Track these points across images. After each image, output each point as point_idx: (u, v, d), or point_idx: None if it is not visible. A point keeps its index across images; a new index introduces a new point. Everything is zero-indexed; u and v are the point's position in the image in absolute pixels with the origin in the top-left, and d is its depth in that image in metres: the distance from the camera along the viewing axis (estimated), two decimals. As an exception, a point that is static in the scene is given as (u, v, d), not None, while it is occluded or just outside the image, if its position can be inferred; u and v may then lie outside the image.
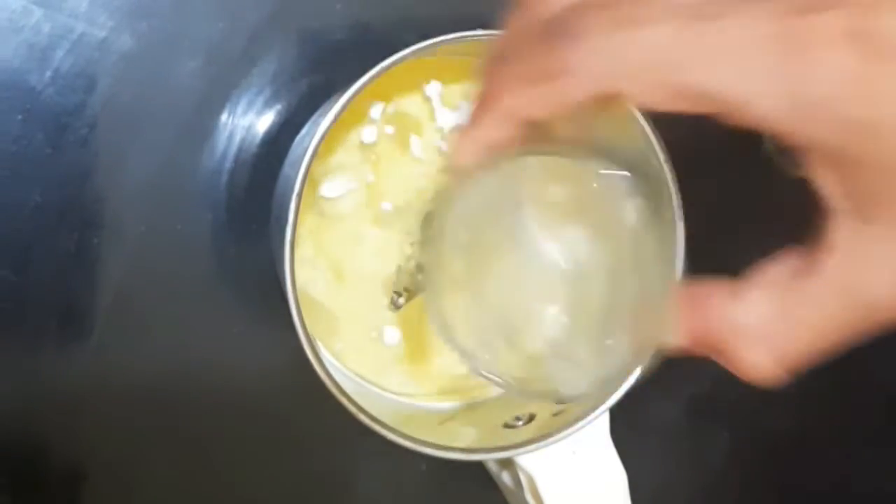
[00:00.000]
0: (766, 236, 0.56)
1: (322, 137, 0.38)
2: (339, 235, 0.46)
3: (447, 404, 0.47)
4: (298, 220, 0.38)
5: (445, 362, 0.47)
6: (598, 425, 0.42)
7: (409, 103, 0.46)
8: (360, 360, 0.46)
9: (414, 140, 0.46)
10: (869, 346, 0.57)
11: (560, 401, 0.41)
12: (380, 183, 0.45)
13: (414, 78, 0.46)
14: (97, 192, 0.47)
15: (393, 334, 0.47)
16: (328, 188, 0.45)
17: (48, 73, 0.46)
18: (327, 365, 0.38)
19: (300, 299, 0.38)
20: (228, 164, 0.48)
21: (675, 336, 0.34)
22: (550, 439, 0.41)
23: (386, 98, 0.45)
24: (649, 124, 0.41)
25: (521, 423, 0.44)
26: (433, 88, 0.46)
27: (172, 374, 0.49)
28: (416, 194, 0.46)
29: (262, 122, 0.48)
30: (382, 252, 0.46)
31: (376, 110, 0.45)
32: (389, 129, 0.45)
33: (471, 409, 0.47)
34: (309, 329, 0.38)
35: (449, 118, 0.46)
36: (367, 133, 0.45)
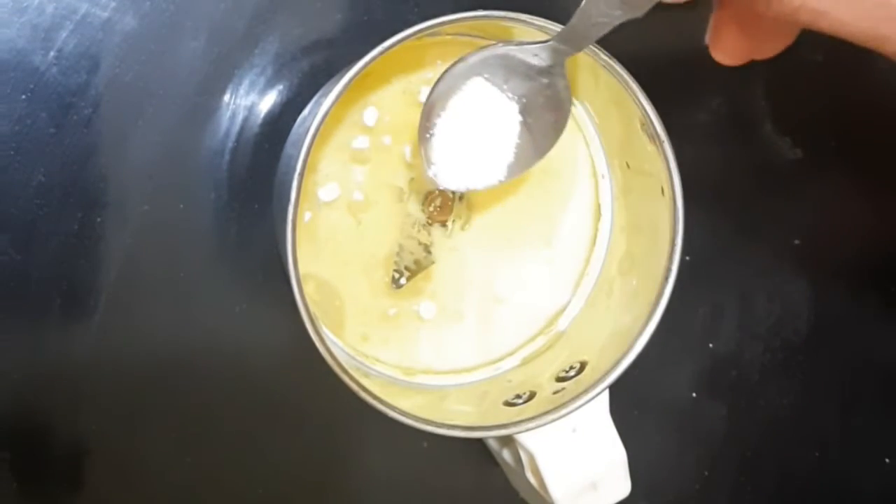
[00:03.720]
0: (763, 213, 0.56)
1: (324, 117, 0.38)
2: (335, 221, 0.46)
3: (449, 382, 0.47)
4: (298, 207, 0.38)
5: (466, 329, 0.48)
6: (598, 403, 0.42)
7: (404, 109, 0.46)
8: (385, 337, 0.47)
9: (407, 148, 0.46)
10: (868, 321, 0.58)
11: None
12: (369, 181, 0.46)
13: (415, 65, 0.46)
14: (100, 171, 0.47)
15: (429, 307, 0.47)
16: (325, 192, 0.45)
17: (52, 54, 0.46)
18: (329, 343, 0.39)
19: (304, 279, 0.38)
20: (231, 144, 0.48)
21: None
22: (550, 417, 0.41)
23: (380, 104, 0.46)
24: (650, 103, 0.41)
25: (521, 400, 0.44)
26: (426, 93, 0.46)
27: (175, 353, 0.49)
28: (407, 184, 0.46)
29: (265, 102, 0.49)
30: (382, 233, 0.46)
31: (370, 116, 0.45)
32: (387, 140, 0.45)
33: (472, 387, 0.47)
34: (316, 308, 0.38)
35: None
36: (360, 141, 0.45)
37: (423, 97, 0.46)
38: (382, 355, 0.47)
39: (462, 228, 0.47)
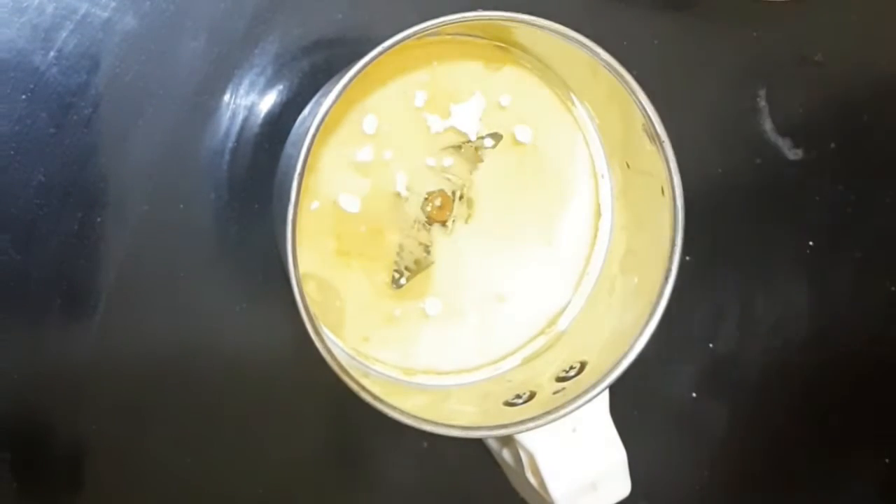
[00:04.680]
0: (763, 213, 0.56)
1: (324, 117, 0.38)
2: (337, 221, 0.46)
3: (449, 382, 0.47)
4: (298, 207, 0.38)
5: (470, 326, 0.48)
6: (598, 403, 0.42)
7: (401, 113, 0.46)
8: (386, 337, 0.47)
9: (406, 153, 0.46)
10: (868, 321, 0.58)
11: None
12: (369, 184, 0.46)
13: (411, 67, 0.46)
14: (100, 171, 0.47)
15: (434, 304, 0.47)
16: (346, 202, 0.45)
17: (52, 54, 0.46)
18: (329, 343, 0.39)
19: (305, 279, 0.39)
20: (231, 144, 0.48)
21: None
22: (550, 417, 0.41)
23: (378, 109, 0.46)
24: (650, 103, 0.41)
25: (521, 400, 0.44)
26: (420, 98, 0.46)
27: (175, 352, 0.49)
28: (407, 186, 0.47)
29: (265, 101, 0.49)
30: (383, 233, 0.46)
31: (370, 124, 0.45)
32: (388, 154, 0.46)
33: (473, 387, 0.47)
34: (316, 308, 0.38)
35: (440, 125, 0.46)
36: (364, 153, 0.45)
37: (418, 101, 0.46)
38: (383, 355, 0.47)
39: (462, 227, 0.47)
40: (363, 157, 0.45)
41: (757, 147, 0.55)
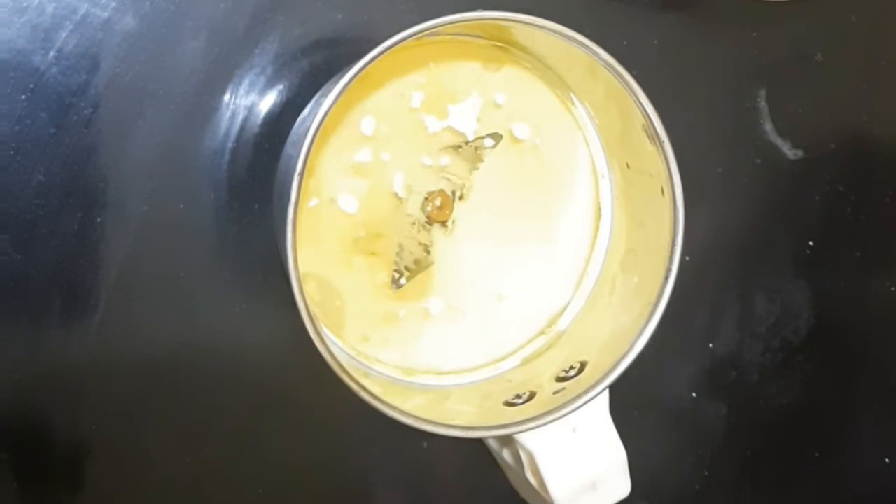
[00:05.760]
0: (763, 213, 0.56)
1: (324, 117, 0.38)
2: (338, 220, 0.46)
3: (449, 382, 0.47)
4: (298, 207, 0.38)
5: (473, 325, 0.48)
6: (598, 403, 0.42)
7: (399, 115, 0.46)
8: (386, 337, 0.47)
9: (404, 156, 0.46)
10: (868, 321, 0.58)
11: None
12: (369, 185, 0.46)
13: (408, 68, 0.46)
14: (100, 171, 0.47)
15: (437, 303, 0.47)
16: (346, 202, 0.45)
17: (52, 54, 0.46)
18: (329, 343, 0.39)
19: (305, 279, 0.38)
20: (231, 144, 0.48)
21: None
22: (550, 417, 0.41)
23: (376, 111, 0.46)
24: (650, 103, 0.41)
25: (521, 400, 0.44)
26: (417, 99, 0.46)
27: (175, 352, 0.49)
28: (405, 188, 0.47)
29: (265, 101, 0.49)
30: (383, 233, 0.46)
31: (368, 125, 0.45)
32: (386, 156, 0.46)
33: (473, 387, 0.47)
34: (317, 308, 0.38)
35: (437, 126, 0.46)
36: (362, 154, 0.45)
37: (414, 103, 0.46)
38: (383, 355, 0.47)
39: (462, 227, 0.47)
40: (361, 158, 0.45)
41: (757, 147, 0.55)
